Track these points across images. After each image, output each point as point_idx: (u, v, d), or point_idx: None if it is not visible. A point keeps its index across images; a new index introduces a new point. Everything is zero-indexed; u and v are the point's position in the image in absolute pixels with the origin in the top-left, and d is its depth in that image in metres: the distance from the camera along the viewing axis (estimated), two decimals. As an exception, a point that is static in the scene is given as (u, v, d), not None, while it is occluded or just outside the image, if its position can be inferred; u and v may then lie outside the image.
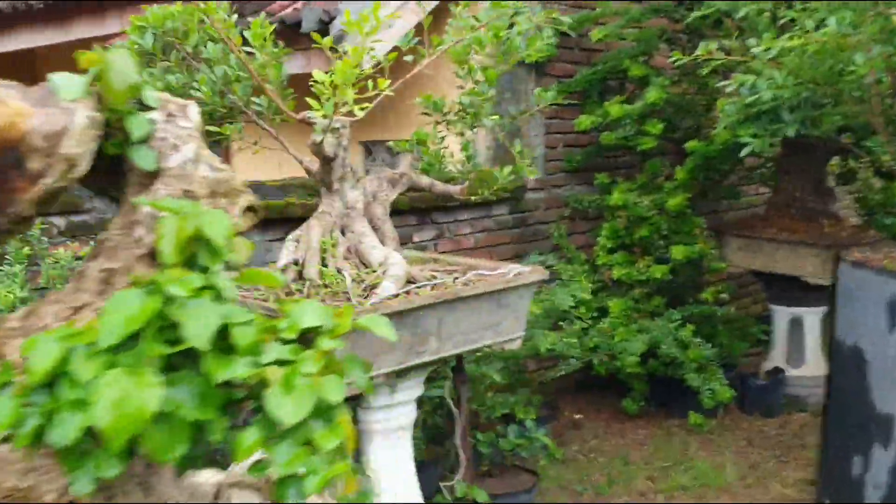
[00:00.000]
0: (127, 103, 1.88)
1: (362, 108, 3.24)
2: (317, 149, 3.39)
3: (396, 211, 5.15)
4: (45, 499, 1.71)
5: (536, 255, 5.50)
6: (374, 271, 3.46)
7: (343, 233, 3.63)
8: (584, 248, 6.53)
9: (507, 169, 3.80)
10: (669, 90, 5.71)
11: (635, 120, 5.79)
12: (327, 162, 3.53)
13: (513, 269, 3.77)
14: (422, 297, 3.28)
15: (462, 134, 3.86)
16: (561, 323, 5.19)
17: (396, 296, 3.33)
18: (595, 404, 6.42)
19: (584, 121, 5.94)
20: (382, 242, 3.72)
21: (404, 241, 5.36)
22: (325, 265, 3.44)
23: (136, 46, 3.78)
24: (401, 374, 3.46)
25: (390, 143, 4.23)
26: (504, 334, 3.69)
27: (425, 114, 4.07)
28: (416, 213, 5.41)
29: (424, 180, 4.03)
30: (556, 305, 4.77)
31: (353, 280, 3.38)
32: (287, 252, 3.44)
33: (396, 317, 3.21)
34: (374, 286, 3.36)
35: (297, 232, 3.55)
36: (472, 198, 3.87)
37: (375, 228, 3.72)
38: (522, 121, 6.14)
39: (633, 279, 5.90)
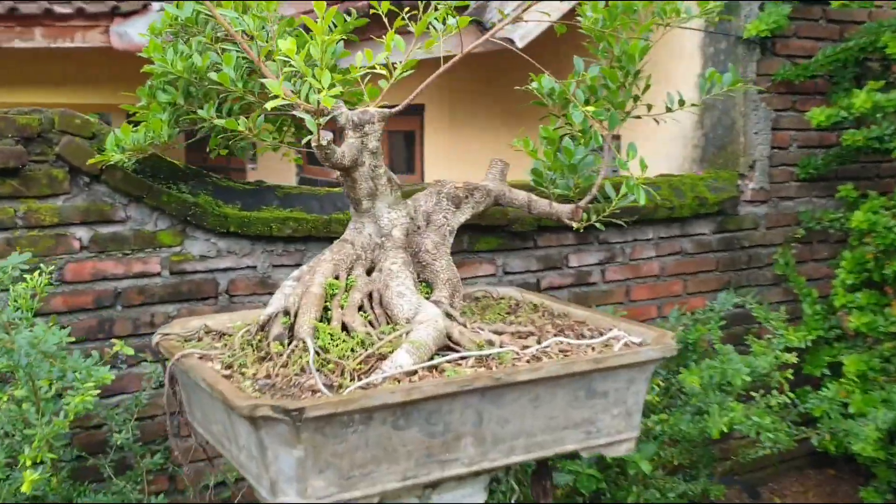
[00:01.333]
0: None
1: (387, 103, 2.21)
2: (324, 153, 2.36)
3: (545, 226, 4.01)
4: None
5: (731, 294, 4.09)
6: (397, 330, 2.38)
7: (371, 270, 2.58)
8: (823, 280, 4.97)
9: (616, 182, 2.55)
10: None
11: (894, 115, 4.19)
12: (346, 172, 2.49)
13: (623, 337, 2.53)
14: (435, 382, 2.16)
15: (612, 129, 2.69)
16: (753, 393, 3.78)
17: (414, 373, 2.24)
18: (820, 490, 4.85)
19: (818, 114, 4.41)
20: (432, 287, 2.62)
21: (556, 265, 4.19)
22: (328, 318, 2.41)
23: (174, 19, 2.97)
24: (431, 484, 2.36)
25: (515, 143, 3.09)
26: (600, 436, 2.48)
27: (539, 104, 2.91)
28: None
29: (519, 196, 2.88)
30: (727, 377, 3.39)
31: (359, 344, 2.32)
32: (277, 298, 2.45)
33: (397, 410, 2.13)
34: (384, 355, 2.28)
35: (304, 268, 2.54)
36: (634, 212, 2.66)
37: (423, 265, 2.63)
38: (737, 113, 4.70)
39: (881, 330, 4.30)
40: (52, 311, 3.22)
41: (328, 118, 2.30)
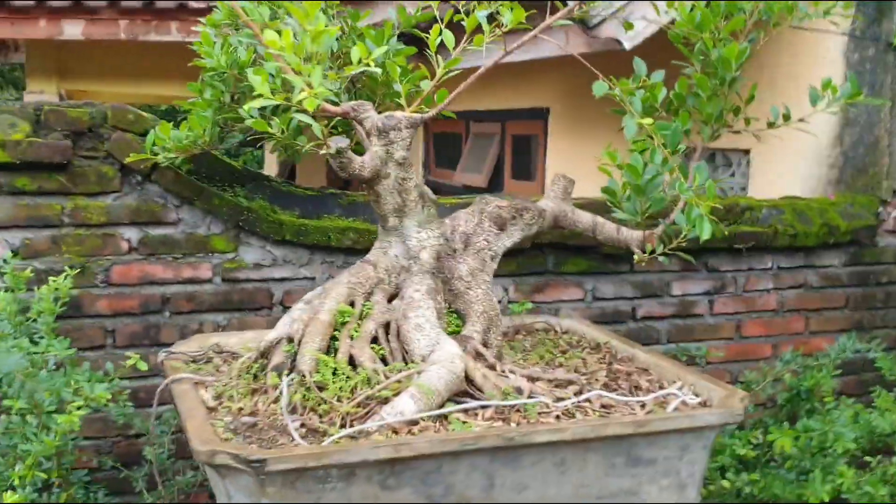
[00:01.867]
0: None
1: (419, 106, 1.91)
2: (339, 162, 2.08)
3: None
4: None
5: (852, 337, 3.53)
6: (410, 368, 2.07)
7: (394, 297, 2.27)
8: (978, 326, 4.31)
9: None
10: None
11: None
12: (368, 184, 2.20)
13: (681, 395, 2.13)
14: (430, 438, 1.84)
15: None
16: (869, 458, 3.24)
17: (416, 423, 1.93)
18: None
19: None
20: (464, 319, 2.29)
21: (655, 293, 3.76)
22: (335, 349, 2.13)
23: (230, 10, 2.78)
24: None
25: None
26: (644, 508, 2.08)
27: (619, 112, 2.53)
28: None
29: (583, 219, 2.50)
30: (827, 441, 2.88)
31: (364, 382, 2.03)
32: (284, 322, 2.19)
33: (385, 467, 1.82)
34: (387, 399, 1.98)
35: (317, 290, 2.27)
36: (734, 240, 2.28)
37: (455, 294, 2.30)
38: (882, 130, 4.12)
39: None
40: (97, 314, 3.08)
41: (328, 120, 2.00)
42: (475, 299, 2.29)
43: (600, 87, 2.21)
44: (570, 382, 2.18)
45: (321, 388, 2.04)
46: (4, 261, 2.92)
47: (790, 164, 4.59)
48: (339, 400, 2.00)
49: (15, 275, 2.67)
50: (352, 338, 2.15)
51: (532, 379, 2.17)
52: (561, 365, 2.39)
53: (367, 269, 2.26)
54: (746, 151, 4.93)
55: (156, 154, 2.82)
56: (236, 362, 2.21)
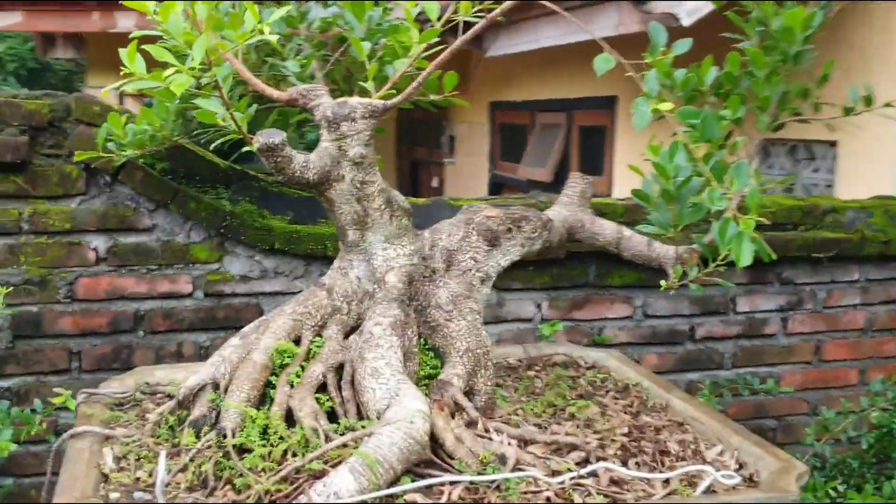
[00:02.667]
0: None
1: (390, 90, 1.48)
2: (272, 160, 1.62)
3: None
4: None
5: (881, 381, 2.94)
6: (362, 426, 1.61)
7: (353, 331, 1.81)
8: None
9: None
10: None
11: None
12: (317, 189, 1.73)
13: (716, 472, 1.61)
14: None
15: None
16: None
17: (356, 504, 1.46)
18: None
19: None
20: (443, 359, 1.81)
21: (717, 310, 3.20)
22: (267, 400, 1.68)
23: None
24: None
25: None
26: None
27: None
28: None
29: (606, 229, 2.00)
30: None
31: (301, 445, 1.57)
32: (213, 362, 1.74)
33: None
34: (322, 472, 1.52)
35: (256, 322, 1.81)
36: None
37: (432, 327, 1.82)
38: None
39: None
40: (60, 334, 2.70)
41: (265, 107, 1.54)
42: (457, 333, 1.80)
43: (604, 62, 1.70)
44: (574, 447, 1.67)
45: (245, 453, 1.59)
46: (-49, 273, 2.56)
47: (886, 159, 3.94)
48: (263, 471, 1.54)
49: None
50: (292, 385, 1.69)
51: (524, 442, 1.68)
52: (572, 416, 1.88)
53: (320, 295, 1.79)
54: (833, 143, 4.29)
55: (109, 151, 2.41)
56: (155, 411, 1.77)
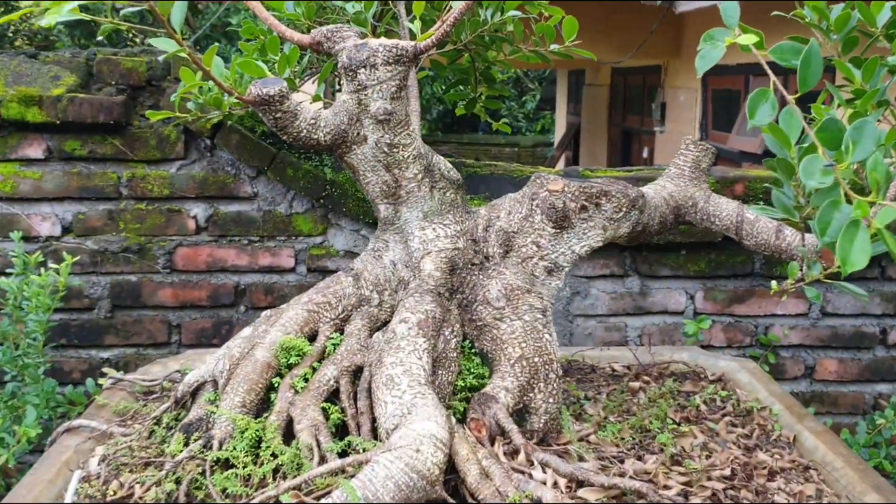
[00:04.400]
0: None
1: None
2: (271, 116, 1.33)
3: None
4: None
5: None
6: (368, 446, 1.30)
7: (375, 328, 1.49)
8: None
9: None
10: None
11: None
12: (335, 154, 1.42)
13: None
14: None
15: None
16: None
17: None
18: None
19: None
20: (491, 368, 1.46)
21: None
22: (269, 404, 1.40)
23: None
24: None
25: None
26: None
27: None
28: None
29: (724, 209, 1.56)
30: None
31: (292, 464, 1.29)
32: (215, 358, 1.48)
33: None
34: None
35: (270, 312, 1.54)
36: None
37: (479, 327, 1.46)
38: None
39: None
40: (159, 305, 2.56)
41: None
42: (510, 336, 1.43)
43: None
44: (640, 496, 1.27)
45: (232, 468, 1.32)
46: (54, 239, 2.48)
47: None
48: (238, 496, 1.26)
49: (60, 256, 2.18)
50: (296, 390, 1.39)
51: (575, 482, 1.29)
52: (662, 449, 1.46)
53: (344, 282, 1.48)
54: None
55: (188, 111, 2.20)
56: (155, 410, 1.53)
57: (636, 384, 1.78)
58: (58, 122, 2.42)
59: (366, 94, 1.37)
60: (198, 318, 2.59)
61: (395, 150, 1.41)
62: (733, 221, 1.53)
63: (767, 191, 2.58)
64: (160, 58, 2.44)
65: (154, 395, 1.72)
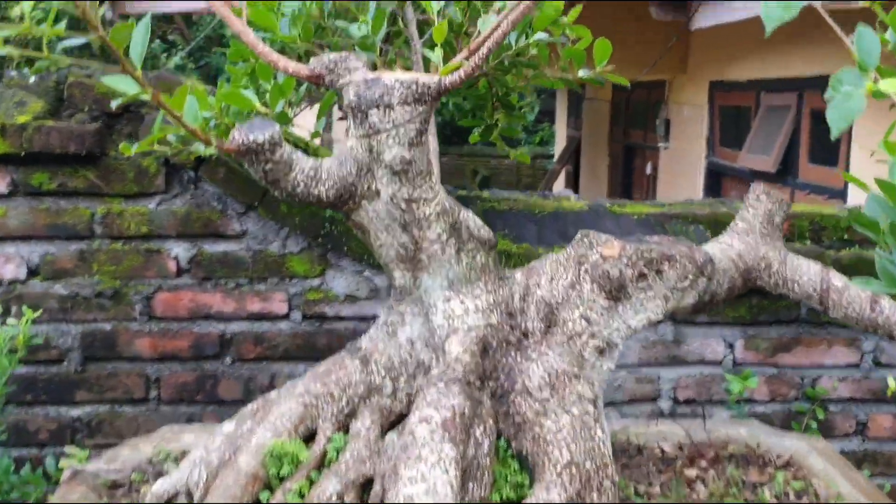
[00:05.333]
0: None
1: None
2: (265, 169, 1.05)
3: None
4: None
5: None
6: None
7: (399, 421, 1.21)
8: None
9: None
10: None
11: None
12: (340, 210, 1.14)
13: None
14: None
15: None
16: None
17: None
18: None
19: None
20: (531, 474, 1.18)
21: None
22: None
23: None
24: None
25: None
26: None
27: None
28: None
29: (805, 276, 1.29)
30: None
31: None
32: (190, 462, 1.20)
33: None
34: None
35: (258, 402, 1.26)
36: None
37: (517, 424, 1.19)
38: None
39: None
40: (135, 357, 2.29)
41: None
42: (555, 436, 1.16)
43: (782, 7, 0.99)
44: None
45: None
46: (17, 283, 2.20)
47: None
48: None
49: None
50: (300, 495, 1.11)
51: None
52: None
53: (349, 366, 1.21)
54: None
55: (168, 144, 1.93)
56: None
57: (692, 472, 1.51)
58: (23, 152, 2.15)
59: (378, 140, 1.10)
60: (179, 370, 2.32)
61: (414, 205, 1.14)
62: (817, 289, 1.26)
63: (814, 229, 2.32)
64: (113, 104, 2.17)
65: (122, 489, 1.44)
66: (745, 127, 7.18)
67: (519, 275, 1.25)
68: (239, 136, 1.04)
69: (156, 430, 1.74)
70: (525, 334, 1.21)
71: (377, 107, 1.08)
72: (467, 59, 1.21)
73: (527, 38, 1.71)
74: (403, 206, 1.14)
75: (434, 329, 1.20)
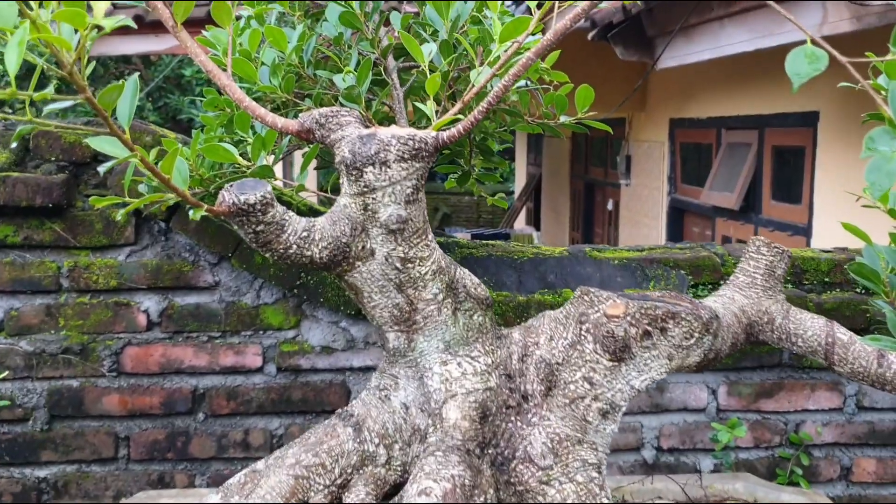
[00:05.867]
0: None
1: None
2: (254, 231, 0.99)
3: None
4: None
5: None
6: None
7: (396, 492, 1.15)
8: None
9: None
10: None
11: None
12: (332, 272, 1.09)
13: None
14: None
15: None
16: None
17: None
18: None
19: None
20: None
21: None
22: None
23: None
24: None
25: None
26: None
27: (875, 117, 1.25)
28: None
29: (809, 330, 1.26)
30: None
31: None
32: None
33: None
34: None
35: (243, 474, 1.19)
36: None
37: (521, 494, 1.13)
38: None
39: None
40: (104, 414, 2.20)
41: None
42: (558, 505, 1.11)
43: (809, 60, 0.97)
44: None
45: None
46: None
47: None
48: None
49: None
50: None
51: None
52: None
53: (342, 434, 1.15)
54: None
55: (140, 195, 1.87)
56: None
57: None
58: (-15, 205, 2.07)
59: (374, 198, 1.06)
60: (149, 428, 2.23)
61: (409, 265, 1.10)
62: (821, 343, 1.23)
63: (795, 272, 2.31)
64: (101, 169, 2.11)
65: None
66: (706, 164, 7.25)
67: (517, 334, 1.21)
68: (229, 197, 0.99)
69: (131, 495, 1.65)
70: (525, 397, 1.17)
71: (373, 164, 1.04)
72: (461, 112, 1.17)
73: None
74: (399, 265, 1.09)
75: (430, 393, 1.15)
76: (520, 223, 13.03)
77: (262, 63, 1.56)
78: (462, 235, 9.92)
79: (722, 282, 2.29)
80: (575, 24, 0.99)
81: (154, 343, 2.22)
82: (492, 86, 1.72)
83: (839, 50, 1.05)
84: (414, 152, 1.05)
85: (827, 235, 5.12)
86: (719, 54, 4.67)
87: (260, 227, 1.02)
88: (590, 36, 5.00)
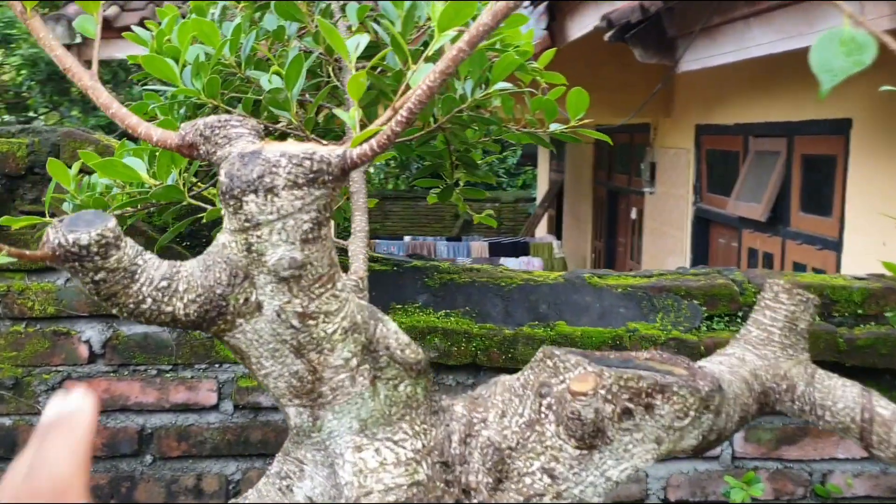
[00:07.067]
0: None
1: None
2: (93, 282, 0.73)
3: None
4: None
5: None
6: None
7: None
8: None
9: None
10: None
11: None
12: (205, 330, 0.83)
13: None
14: None
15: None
16: None
17: None
18: None
19: None
20: None
21: None
22: None
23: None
24: None
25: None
26: None
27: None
28: None
29: (840, 401, 0.97)
30: None
31: None
32: None
33: None
34: None
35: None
36: None
37: None
38: None
39: None
40: (40, 456, 1.95)
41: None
42: None
43: (856, 50, 0.70)
44: None
45: None
46: None
47: None
48: None
49: None
50: None
51: None
52: None
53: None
54: None
55: (64, 213, 1.62)
56: None
57: None
58: None
59: (258, 236, 0.80)
60: (91, 472, 1.98)
61: (310, 322, 0.83)
62: (856, 419, 0.96)
63: (823, 303, 2.03)
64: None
65: None
66: (733, 172, 6.93)
67: (459, 407, 0.94)
68: (54, 236, 0.74)
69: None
70: (466, 492, 0.90)
71: (255, 191, 0.78)
72: (390, 121, 0.91)
73: (486, 86, 1.44)
74: (296, 323, 0.83)
75: (341, 486, 0.88)
76: (541, 230, 12.73)
77: (186, 63, 1.31)
78: (479, 244, 9.64)
79: (740, 313, 2.01)
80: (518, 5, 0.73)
81: (96, 377, 1.98)
82: (466, 90, 1.46)
83: (890, 55, 0.78)
84: (312, 176, 0.78)
85: (858, 252, 4.79)
86: (745, 56, 4.37)
87: (100, 276, 0.77)
88: (606, 37, 4.72)
